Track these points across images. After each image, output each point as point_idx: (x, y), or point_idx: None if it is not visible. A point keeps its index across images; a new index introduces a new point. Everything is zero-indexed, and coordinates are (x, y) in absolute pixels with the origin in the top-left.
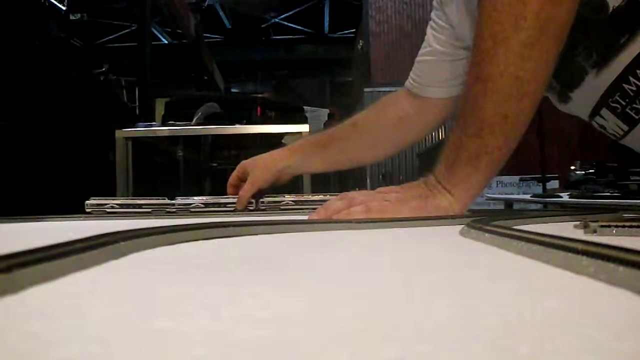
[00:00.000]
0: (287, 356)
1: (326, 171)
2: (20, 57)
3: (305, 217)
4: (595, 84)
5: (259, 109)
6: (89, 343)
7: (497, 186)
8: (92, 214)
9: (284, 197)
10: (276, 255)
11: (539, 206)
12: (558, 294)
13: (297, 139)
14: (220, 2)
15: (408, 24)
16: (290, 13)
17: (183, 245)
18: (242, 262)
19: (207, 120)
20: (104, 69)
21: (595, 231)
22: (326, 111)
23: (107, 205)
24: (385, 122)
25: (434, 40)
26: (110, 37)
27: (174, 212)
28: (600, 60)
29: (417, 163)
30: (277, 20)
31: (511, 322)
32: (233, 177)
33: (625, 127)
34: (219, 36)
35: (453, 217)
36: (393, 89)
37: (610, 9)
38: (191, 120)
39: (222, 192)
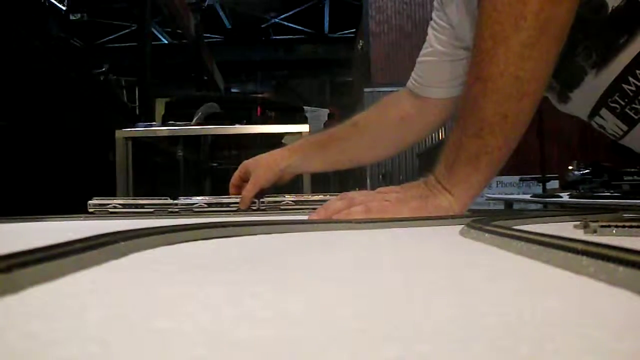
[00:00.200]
0: (287, 356)
1: (327, 171)
2: (20, 57)
3: (305, 217)
4: (595, 84)
5: (259, 109)
6: (89, 343)
7: (497, 186)
8: (94, 213)
9: (284, 197)
10: (276, 255)
11: (539, 206)
12: (558, 294)
13: (297, 139)
14: (220, 2)
15: (408, 24)
16: (290, 13)
17: (183, 245)
18: (242, 262)
19: (207, 120)
20: (104, 69)
21: (595, 231)
22: (326, 111)
23: (110, 205)
24: (386, 122)
25: (435, 40)
26: (110, 37)
27: (176, 212)
28: (600, 60)
29: (417, 163)
30: (277, 20)
31: (511, 322)
32: (235, 177)
33: (625, 127)
34: (219, 36)
35: (453, 217)
36: (393, 89)
37: (610, 9)
38: (191, 120)
39: (223, 192)
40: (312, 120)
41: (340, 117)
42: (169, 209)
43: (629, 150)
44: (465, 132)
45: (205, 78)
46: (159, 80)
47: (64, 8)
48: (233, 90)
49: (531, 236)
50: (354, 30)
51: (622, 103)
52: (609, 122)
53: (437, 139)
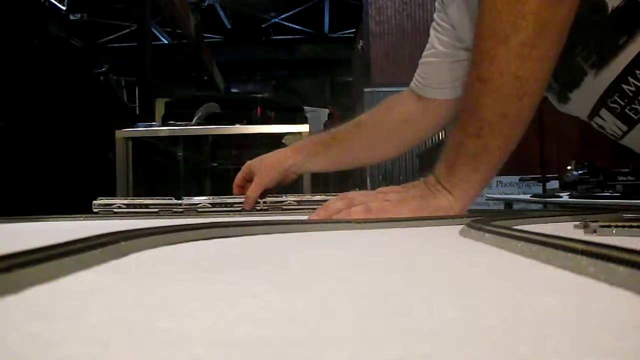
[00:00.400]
0: (287, 356)
1: (330, 171)
2: (20, 57)
3: (305, 217)
4: (595, 84)
5: (259, 109)
6: (89, 343)
7: (497, 186)
8: (99, 213)
9: (285, 197)
10: (276, 255)
11: (539, 206)
12: (558, 294)
13: (297, 139)
14: (220, 2)
15: (408, 24)
16: (290, 13)
17: (183, 245)
18: (242, 262)
19: (207, 120)
20: (104, 69)
21: (595, 231)
22: (326, 111)
23: (114, 205)
24: (389, 122)
25: (436, 41)
26: (110, 37)
27: (180, 212)
28: (600, 60)
29: (417, 163)
30: (277, 20)
31: (511, 322)
32: (239, 178)
33: (625, 128)
34: (219, 36)
35: (453, 217)
36: (393, 89)
37: (610, 9)
38: (191, 120)
39: (223, 191)
40: (312, 120)
41: (340, 117)
42: (173, 209)
43: (629, 150)
44: (465, 132)
45: (205, 78)
46: (159, 80)
47: (64, 8)
48: (233, 90)
49: (531, 236)
50: (354, 30)
51: (622, 103)
52: (609, 123)
53: (437, 139)
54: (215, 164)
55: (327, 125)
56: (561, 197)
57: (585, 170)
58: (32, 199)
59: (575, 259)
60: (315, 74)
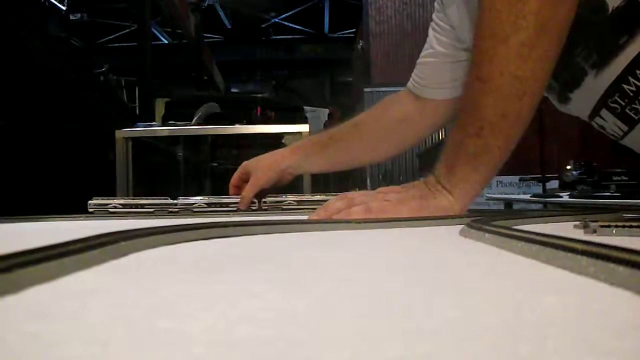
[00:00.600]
0: (287, 356)
1: (327, 171)
2: (20, 57)
3: (305, 217)
4: (595, 84)
5: (259, 109)
6: (89, 343)
7: (497, 186)
8: (94, 213)
9: (286, 197)
10: (276, 255)
11: (539, 206)
12: (558, 294)
13: (297, 139)
14: (220, 2)
15: (408, 24)
16: (290, 13)
17: (183, 245)
18: (242, 262)
19: (207, 120)
20: (104, 69)
21: (595, 231)
22: (326, 111)
23: (110, 205)
24: (386, 123)
25: (435, 41)
26: (110, 37)
27: (176, 212)
28: (600, 61)
29: (417, 163)
30: (277, 20)
31: (511, 322)
32: (235, 178)
33: (625, 128)
34: (219, 36)
35: (453, 217)
36: (393, 89)
37: (610, 9)
38: (191, 120)
39: (223, 192)
40: (312, 120)
41: (340, 117)
42: (169, 209)
43: (630, 150)
44: (465, 131)
45: (205, 78)
46: (159, 80)
47: (64, 8)
48: (233, 90)
49: (531, 236)
50: (354, 30)
51: (622, 103)
52: (609, 123)
53: (437, 139)
54: (215, 164)
55: (327, 125)
56: (561, 197)
57: (583, 170)
58: (32, 199)
59: (575, 259)
60: (315, 74)
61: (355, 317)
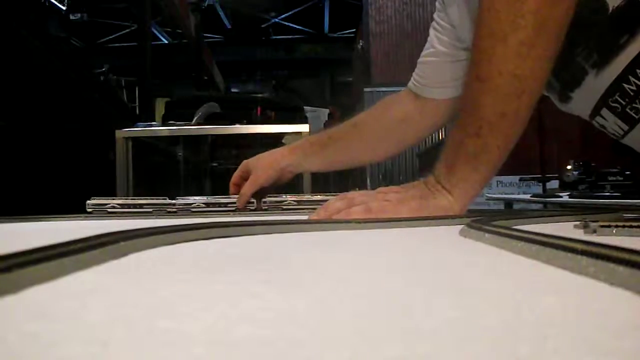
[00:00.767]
0: (287, 356)
1: (327, 170)
2: (20, 57)
3: (305, 217)
4: (595, 84)
5: (259, 109)
6: (89, 343)
7: (497, 186)
8: (93, 213)
9: (285, 197)
10: (276, 255)
11: (539, 206)
12: (558, 294)
13: (297, 139)
14: (220, 2)
15: (408, 24)
16: (290, 13)
17: (183, 245)
18: (242, 262)
19: (207, 120)
20: (104, 69)
21: (595, 231)
22: (326, 111)
23: (108, 205)
24: (386, 122)
25: (436, 41)
26: (110, 37)
27: (174, 212)
28: (600, 60)
29: (417, 163)
30: (277, 20)
31: (511, 322)
32: (235, 176)
33: (625, 127)
34: (219, 36)
35: (453, 217)
36: (393, 89)
37: (610, 9)
38: (191, 120)
39: (223, 192)
40: (312, 120)
41: (340, 117)
42: (167, 209)
43: (630, 150)
44: (464, 131)
45: (205, 78)
46: (159, 80)
47: (64, 8)
48: (233, 90)
49: (531, 236)
50: (354, 30)
51: (623, 103)
52: (610, 122)
53: (437, 139)
54: (215, 164)
55: (327, 125)
56: (561, 197)
57: (581, 170)
58: (32, 199)
59: (575, 259)
60: (315, 74)
61: (355, 317)
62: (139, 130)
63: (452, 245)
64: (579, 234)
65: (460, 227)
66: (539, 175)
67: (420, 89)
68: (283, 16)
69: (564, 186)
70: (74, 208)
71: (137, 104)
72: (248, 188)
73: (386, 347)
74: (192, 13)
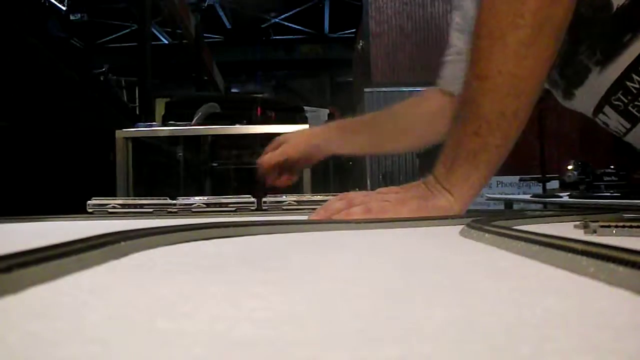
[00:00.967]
0: (287, 356)
1: (353, 154)
2: (20, 58)
3: (305, 217)
4: (599, 81)
5: (259, 109)
6: (89, 343)
7: (497, 186)
8: (93, 214)
9: (285, 197)
10: (276, 255)
11: (539, 206)
12: (558, 294)
13: None
14: (220, 2)
15: (408, 24)
16: (290, 13)
17: (183, 245)
18: (242, 262)
19: (207, 120)
20: (104, 69)
21: (595, 231)
22: (326, 111)
23: (109, 205)
24: (420, 113)
25: (457, 39)
26: (110, 37)
27: (175, 212)
28: (604, 58)
29: (417, 163)
30: (277, 20)
31: (511, 322)
32: (267, 151)
33: (628, 125)
34: (219, 36)
35: (453, 217)
36: (393, 88)
37: (614, 8)
38: (191, 120)
39: (223, 192)
40: (312, 120)
41: (340, 117)
42: (168, 209)
43: (630, 149)
44: (464, 130)
45: (205, 78)
46: (159, 80)
47: (64, 8)
48: (233, 90)
49: (531, 236)
50: (354, 30)
51: (626, 100)
52: (613, 120)
53: None
54: (215, 164)
55: None
56: (561, 197)
57: (580, 171)
58: (32, 199)
59: (575, 259)
60: (315, 74)
61: (355, 317)
62: (139, 130)
63: (452, 245)
64: (579, 234)
65: (460, 227)
66: (539, 176)
67: (448, 84)
68: (283, 16)
69: (564, 186)
70: (75, 208)
71: (137, 104)
72: (274, 156)
73: (386, 347)
74: (192, 13)
